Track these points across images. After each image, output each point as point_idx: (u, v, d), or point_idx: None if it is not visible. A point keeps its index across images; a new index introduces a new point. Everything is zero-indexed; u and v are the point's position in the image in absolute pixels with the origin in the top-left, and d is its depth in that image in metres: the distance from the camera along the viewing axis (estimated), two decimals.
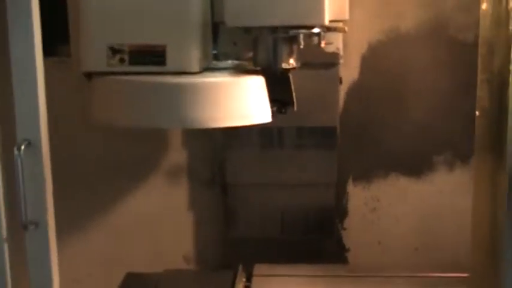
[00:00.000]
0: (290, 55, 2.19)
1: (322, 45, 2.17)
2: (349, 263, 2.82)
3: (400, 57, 2.69)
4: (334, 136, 2.68)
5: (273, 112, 2.18)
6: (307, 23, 2.08)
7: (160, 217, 2.82)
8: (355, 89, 2.72)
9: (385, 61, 2.70)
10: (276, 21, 2.08)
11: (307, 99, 2.52)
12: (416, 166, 2.77)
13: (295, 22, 2.08)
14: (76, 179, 2.76)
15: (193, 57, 2.20)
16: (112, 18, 2.19)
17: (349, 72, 2.68)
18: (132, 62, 2.20)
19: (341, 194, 2.80)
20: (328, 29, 2.14)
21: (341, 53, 2.60)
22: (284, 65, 2.18)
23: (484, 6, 1.79)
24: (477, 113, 1.82)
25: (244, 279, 2.43)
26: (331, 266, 2.56)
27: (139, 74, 2.19)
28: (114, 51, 2.19)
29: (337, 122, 2.67)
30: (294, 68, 2.21)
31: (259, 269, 2.50)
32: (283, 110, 2.32)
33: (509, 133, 1.53)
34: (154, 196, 2.81)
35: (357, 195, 2.82)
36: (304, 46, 2.14)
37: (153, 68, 2.19)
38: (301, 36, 2.11)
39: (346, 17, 2.44)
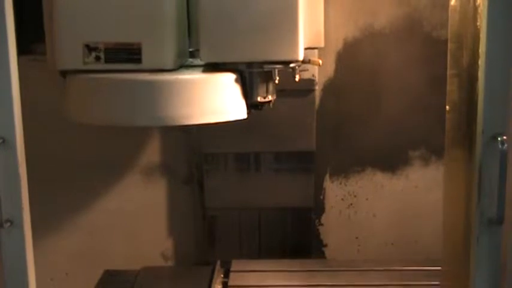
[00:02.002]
0: (266, 89, 2.21)
1: (297, 79, 2.21)
2: (327, 258, 2.85)
3: (375, 54, 2.71)
4: (312, 160, 2.72)
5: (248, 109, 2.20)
6: (282, 58, 2.10)
7: (138, 215, 2.82)
8: (331, 86, 2.74)
9: (360, 58, 2.72)
10: (251, 57, 2.10)
11: (284, 125, 2.57)
12: (392, 161, 2.80)
13: (270, 58, 2.10)
14: (52, 176, 2.76)
15: (169, 54, 2.20)
16: (87, 16, 2.19)
17: (325, 69, 2.70)
18: (108, 60, 2.20)
19: (318, 190, 2.82)
20: (303, 62, 2.17)
21: (317, 79, 2.64)
22: (260, 99, 2.21)
23: (452, 2, 1.81)
24: (447, 107, 1.85)
25: (222, 275, 2.44)
26: (308, 261, 2.58)
27: (115, 72, 2.20)
28: (89, 49, 2.19)
29: (314, 147, 2.70)
30: (269, 101, 2.24)
31: (236, 264, 2.51)
32: (260, 107, 2.33)
33: (478, 127, 1.55)
34: (132, 194, 2.82)
35: (334, 191, 2.84)
36: (280, 74, 2.17)
37: (128, 66, 2.19)
38: (276, 71, 2.14)
39: (322, 44, 2.47)
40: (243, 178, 2.72)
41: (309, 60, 2.31)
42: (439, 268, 2.05)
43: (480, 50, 1.54)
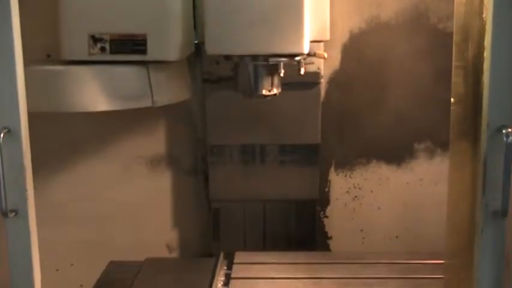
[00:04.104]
0: (271, 82, 2.22)
1: (302, 72, 2.21)
2: (331, 250, 2.85)
3: (381, 46, 2.70)
4: (317, 153, 2.71)
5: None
6: (287, 51, 2.12)
7: (143, 205, 2.83)
8: (337, 78, 2.73)
9: (366, 50, 2.71)
10: (256, 50, 2.11)
11: (290, 118, 2.57)
12: (397, 154, 2.80)
13: (275, 50, 2.11)
14: (58, 167, 2.76)
15: (174, 46, 2.22)
16: (92, 7, 2.20)
17: (330, 61, 2.69)
18: (113, 51, 2.22)
19: (323, 182, 2.81)
20: (308, 55, 2.17)
21: (322, 72, 2.63)
22: (265, 92, 2.22)
23: None
24: (452, 99, 1.84)
25: (225, 267, 2.44)
26: (311, 253, 2.56)
27: (120, 63, 2.22)
28: (95, 40, 2.20)
29: (320, 140, 2.70)
30: (275, 94, 2.25)
31: (239, 256, 2.50)
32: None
33: (483, 119, 1.55)
34: (138, 185, 2.82)
35: (339, 184, 2.84)
36: (285, 67, 2.18)
37: (134, 57, 2.21)
38: (281, 64, 2.15)
39: (327, 37, 2.47)
40: (248, 170, 2.71)
41: (315, 53, 2.31)
42: (443, 261, 2.05)
43: (485, 42, 1.54)
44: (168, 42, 2.20)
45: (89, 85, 2.17)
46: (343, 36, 2.71)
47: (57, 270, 2.84)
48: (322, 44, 2.55)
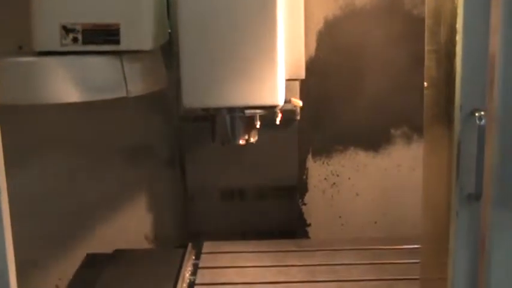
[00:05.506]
0: (248, 131, 2.25)
1: (278, 122, 2.25)
2: (310, 237, 2.85)
3: (356, 32, 2.70)
4: (294, 192, 2.76)
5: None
6: (262, 103, 2.14)
7: (120, 197, 2.81)
8: (313, 65, 2.73)
9: (341, 37, 2.72)
10: (232, 102, 2.13)
11: (265, 158, 2.61)
12: (374, 140, 2.80)
13: (251, 103, 2.13)
14: (33, 158, 2.74)
15: (148, 35, 2.20)
16: None
17: (306, 48, 2.68)
18: (86, 42, 2.19)
19: (301, 170, 2.81)
20: (284, 102, 2.19)
21: (298, 110, 2.62)
22: (242, 141, 2.25)
23: None
24: (425, 83, 1.84)
25: (193, 257, 2.43)
26: (280, 241, 2.54)
27: (93, 54, 2.20)
28: (67, 30, 2.18)
29: (296, 181, 2.74)
30: (252, 142, 2.27)
31: (208, 246, 2.49)
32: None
33: (456, 102, 1.55)
34: (114, 176, 2.80)
35: (317, 171, 2.84)
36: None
37: (107, 47, 2.19)
38: (257, 116, 2.20)
39: (303, 76, 2.47)
40: (227, 206, 2.76)
41: (290, 99, 2.35)
42: (414, 246, 2.05)
43: (457, 25, 1.54)
44: (142, 32, 2.18)
45: (61, 76, 2.15)
46: (318, 23, 2.70)
47: (35, 263, 2.82)
48: (298, 82, 2.57)
